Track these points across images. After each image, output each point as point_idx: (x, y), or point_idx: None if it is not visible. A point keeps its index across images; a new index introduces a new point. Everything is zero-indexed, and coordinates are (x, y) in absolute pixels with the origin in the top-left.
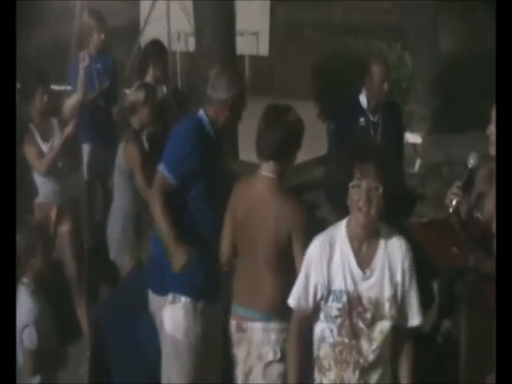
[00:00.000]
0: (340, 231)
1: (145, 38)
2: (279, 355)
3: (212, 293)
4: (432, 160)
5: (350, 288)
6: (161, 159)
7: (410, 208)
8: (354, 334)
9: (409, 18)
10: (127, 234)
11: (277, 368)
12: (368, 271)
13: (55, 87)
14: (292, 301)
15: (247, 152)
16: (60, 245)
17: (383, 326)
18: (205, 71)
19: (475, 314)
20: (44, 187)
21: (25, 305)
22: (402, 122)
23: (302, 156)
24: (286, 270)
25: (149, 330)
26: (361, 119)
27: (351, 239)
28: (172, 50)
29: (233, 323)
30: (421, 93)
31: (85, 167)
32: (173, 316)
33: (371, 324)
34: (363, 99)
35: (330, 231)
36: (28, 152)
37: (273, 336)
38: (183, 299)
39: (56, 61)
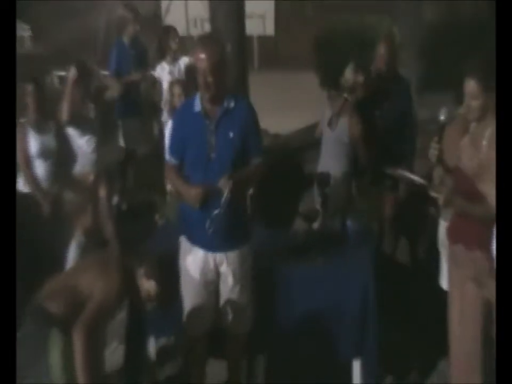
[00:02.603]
0: None
1: (166, 24)
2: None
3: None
4: (419, 118)
5: None
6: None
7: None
8: None
9: None
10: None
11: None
12: None
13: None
14: None
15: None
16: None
17: None
18: None
19: None
20: (82, 158)
21: (72, 253)
22: (412, 97)
23: (305, 120)
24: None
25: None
26: None
27: None
28: (189, 34)
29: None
30: (406, 59)
31: (121, 139)
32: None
33: None
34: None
35: None
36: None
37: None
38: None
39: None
